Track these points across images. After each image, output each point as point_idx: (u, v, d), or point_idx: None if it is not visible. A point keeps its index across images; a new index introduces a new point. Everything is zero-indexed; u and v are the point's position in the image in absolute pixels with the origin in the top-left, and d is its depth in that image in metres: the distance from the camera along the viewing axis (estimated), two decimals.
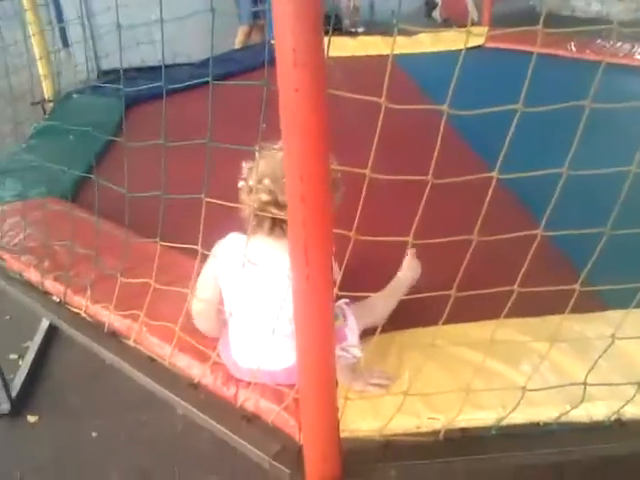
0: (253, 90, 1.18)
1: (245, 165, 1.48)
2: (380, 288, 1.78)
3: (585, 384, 1.38)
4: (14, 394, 2.43)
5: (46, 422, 2.38)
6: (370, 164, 1.06)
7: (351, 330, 1.54)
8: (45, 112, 3.52)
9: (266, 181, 1.39)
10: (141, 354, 1.72)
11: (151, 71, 3.89)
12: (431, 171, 1.10)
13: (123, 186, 1.57)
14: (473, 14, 6.47)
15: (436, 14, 7.63)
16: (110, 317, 1.78)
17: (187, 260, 1.89)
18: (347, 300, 1.57)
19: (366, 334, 1.59)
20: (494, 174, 1.12)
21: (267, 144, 1.34)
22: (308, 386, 1.21)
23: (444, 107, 1.06)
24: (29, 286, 2.04)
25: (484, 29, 5.04)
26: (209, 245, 1.50)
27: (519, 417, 1.42)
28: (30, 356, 2.65)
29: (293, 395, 1.42)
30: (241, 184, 1.48)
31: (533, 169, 1.14)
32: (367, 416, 1.44)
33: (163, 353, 1.67)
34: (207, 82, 1.29)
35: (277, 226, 1.42)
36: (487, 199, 1.12)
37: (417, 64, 4.09)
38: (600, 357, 1.38)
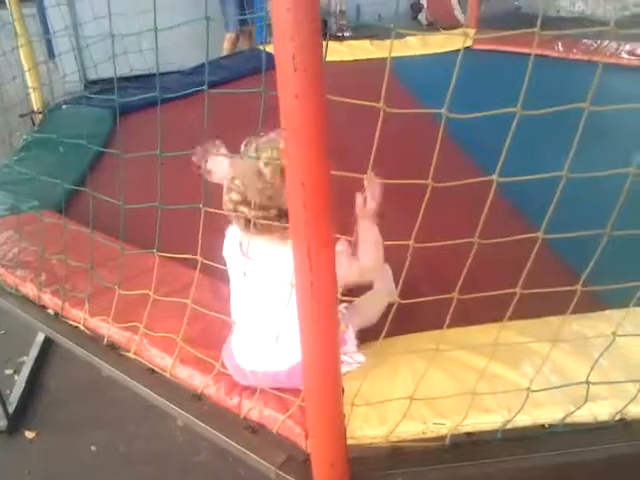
0: (244, 97, 1.18)
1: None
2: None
3: (588, 383, 1.38)
4: (11, 410, 2.41)
5: (44, 437, 2.35)
6: (370, 168, 1.06)
7: (349, 336, 1.54)
8: (34, 124, 3.50)
9: (237, 181, 1.43)
10: (142, 366, 1.70)
11: (139, 80, 3.86)
12: (431, 174, 1.10)
13: (115, 197, 1.56)
14: (459, 16, 6.50)
15: (422, 17, 7.65)
16: (109, 329, 1.77)
17: (185, 270, 1.89)
18: (346, 305, 1.57)
19: (367, 339, 1.59)
20: (494, 177, 1.12)
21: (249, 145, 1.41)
22: (314, 393, 1.21)
23: (443, 111, 1.06)
24: (25, 300, 2.03)
25: (471, 31, 5.06)
26: (206, 255, 1.50)
27: (524, 419, 1.42)
28: (26, 371, 2.63)
29: (298, 403, 1.41)
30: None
31: (524, 172, 1.14)
32: (373, 422, 1.43)
33: (164, 364, 1.66)
34: (200, 90, 1.29)
35: (251, 223, 1.44)
36: (488, 202, 1.12)
37: (405, 67, 4.10)
38: (601, 355, 1.38)
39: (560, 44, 4.56)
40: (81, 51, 5.23)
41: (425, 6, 7.58)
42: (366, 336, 1.61)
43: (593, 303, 1.74)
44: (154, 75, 4.03)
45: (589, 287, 1.25)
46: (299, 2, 0.83)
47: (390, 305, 1.33)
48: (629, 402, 1.41)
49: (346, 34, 6.75)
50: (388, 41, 4.91)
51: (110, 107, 3.42)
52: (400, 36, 4.46)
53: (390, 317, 1.29)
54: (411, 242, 1.14)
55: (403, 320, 1.72)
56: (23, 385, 2.55)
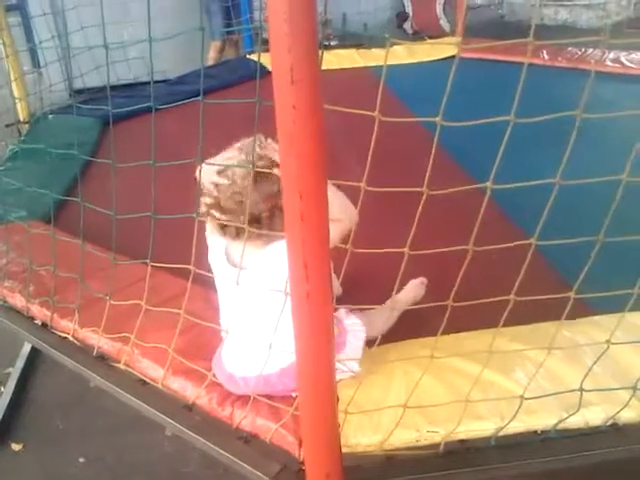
0: (233, 106, 1.18)
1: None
2: (375, 301, 1.78)
3: (581, 390, 1.39)
4: None
5: (31, 449, 2.32)
6: (365, 176, 1.07)
7: (353, 342, 1.55)
8: (20, 134, 3.48)
9: (210, 186, 1.43)
10: (132, 377, 1.69)
11: (126, 89, 3.85)
12: (426, 182, 1.11)
13: (104, 207, 1.56)
14: (444, 26, 6.55)
15: (407, 26, 7.69)
16: (99, 340, 1.75)
17: (175, 280, 1.88)
18: (347, 310, 1.58)
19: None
20: (488, 184, 1.13)
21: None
22: (309, 402, 1.21)
23: (437, 119, 1.06)
24: (13, 311, 2.01)
25: (458, 39, 5.10)
26: (196, 264, 1.49)
27: (517, 426, 1.43)
28: (12, 382, 2.59)
29: (291, 411, 1.41)
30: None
31: (512, 179, 1.15)
32: (366, 431, 1.43)
33: (156, 375, 1.65)
34: (188, 100, 1.29)
35: (227, 227, 1.44)
36: (482, 209, 1.13)
37: (392, 75, 4.11)
38: (595, 363, 1.39)
39: (545, 52, 4.61)
40: (67, 60, 5.21)
41: (411, 15, 7.62)
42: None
43: (581, 308, 1.75)
44: (140, 84, 4.01)
45: (582, 294, 1.26)
46: (296, 14, 0.83)
47: None
48: (622, 408, 1.42)
49: (332, 43, 6.76)
50: (374, 50, 4.94)
51: (96, 116, 3.40)
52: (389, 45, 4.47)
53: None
54: (406, 249, 1.15)
55: (396, 327, 1.74)
56: (9, 396, 2.51)
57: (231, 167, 1.38)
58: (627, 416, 1.45)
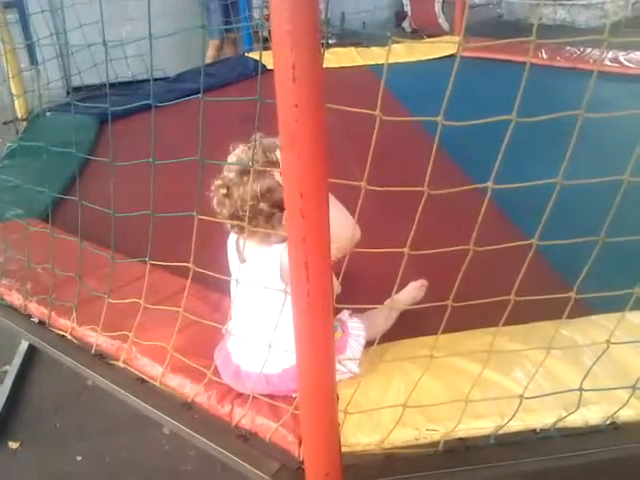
0: (231, 105, 1.17)
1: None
2: (375, 301, 1.77)
3: (581, 390, 1.39)
4: None
5: (28, 448, 2.31)
6: (365, 175, 1.06)
7: (354, 346, 1.55)
8: (18, 131, 3.47)
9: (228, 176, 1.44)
10: (131, 375, 1.69)
11: (124, 87, 3.84)
12: (426, 182, 1.10)
13: (102, 205, 1.55)
14: (443, 24, 6.54)
15: (406, 24, 7.69)
16: (97, 338, 1.75)
17: (173, 278, 1.88)
18: (349, 311, 1.58)
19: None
20: (489, 184, 1.12)
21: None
22: (309, 401, 1.21)
23: (439, 119, 1.06)
24: (11, 309, 2.00)
25: (458, 38, 5.08)
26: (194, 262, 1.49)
27: (516, 424, 1.43)
28: (9, 381, 2.58)
29: (291, 410, 1.41)
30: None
31: (510, 179, 1.14)
32: (366, 430, 1.43)
33: (154, 373, 1.65)
34: (187, 98, 1.28)
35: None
36: (482, 210, 1.13)
37: (391, 73, 4.11)
38: (595, 364, 1.39)
39: (544, 51, 4.61)
40: (65, 58, 5.20)
41: (409, 14, 7.61)
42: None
43: (581, 308, 1.75)
44: (138, 82, 4.01)
45: (582, 294, 1.26)
46: (298, 12, 0.83)
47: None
48: (621, 407, 1.42)
49: (331, 41, 6.76)
50: (373, 48, 4.93)
51: (94, 114, 3.39)
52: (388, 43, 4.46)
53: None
54: (406, 249, 1.15)
55: (396, 327, 1.74)
56: (6, 395, 2.50)
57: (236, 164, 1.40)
58: (626, 415, 1.45)
